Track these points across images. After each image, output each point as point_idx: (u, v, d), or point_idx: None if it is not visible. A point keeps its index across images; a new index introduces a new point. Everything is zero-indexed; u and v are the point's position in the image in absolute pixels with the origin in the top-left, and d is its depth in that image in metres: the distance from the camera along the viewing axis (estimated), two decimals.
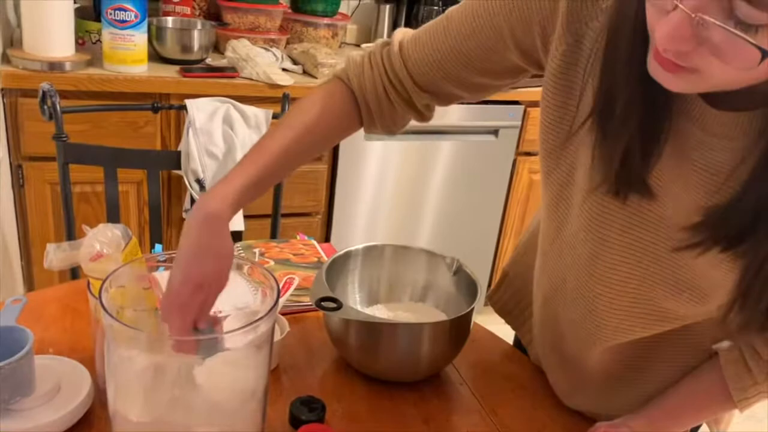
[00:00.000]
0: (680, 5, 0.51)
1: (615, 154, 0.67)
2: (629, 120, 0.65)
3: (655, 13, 0.55)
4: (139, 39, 1.81)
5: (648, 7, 0.56)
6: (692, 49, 0.53)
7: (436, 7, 2.53)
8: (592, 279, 0.79)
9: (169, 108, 1.66)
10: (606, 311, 0.80)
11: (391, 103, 0.86)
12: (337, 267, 1.02)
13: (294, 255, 1.21)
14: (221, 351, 0.67)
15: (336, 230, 2.24)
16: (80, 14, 1.94)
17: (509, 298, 1.08)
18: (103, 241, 0.80)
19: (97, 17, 1.89)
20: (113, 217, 1.48)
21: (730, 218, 0.63)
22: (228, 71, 1.94)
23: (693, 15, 0.51)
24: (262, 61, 1.97)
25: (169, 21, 2.09)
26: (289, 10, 2.36)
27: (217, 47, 2.17)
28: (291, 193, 2.05)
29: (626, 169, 0.68)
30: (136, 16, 1.78)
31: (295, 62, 2.14)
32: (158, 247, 1.17)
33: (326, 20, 2.33)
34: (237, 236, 1.64)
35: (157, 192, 1.50)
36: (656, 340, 0.82)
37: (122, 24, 1.77)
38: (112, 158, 1.45)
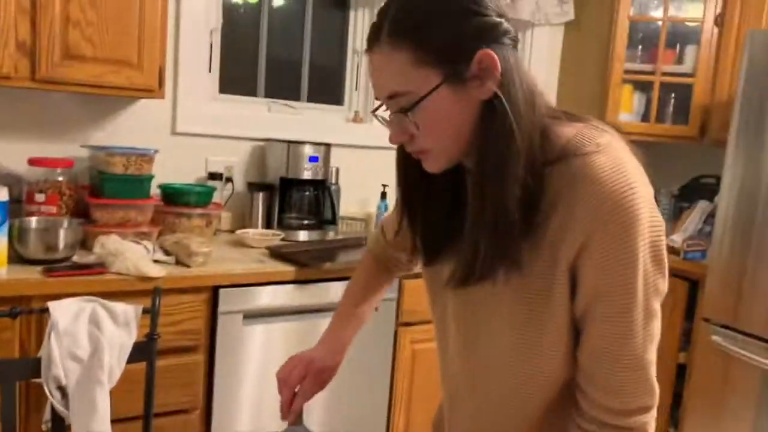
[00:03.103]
0: (377, 116, 0.87)
1: (422, 229, 0.96)
2: (431, 205, 0.93)
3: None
4: None
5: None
6: (408, 138, 0.83)
7: (307, 193, 2.66)
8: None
9: (29, 312, 1.57)
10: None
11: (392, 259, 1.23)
12: None
13: None
14: None
15: (217, 425, 2.11)
16: None
17: None
18: None
19: None
20: None
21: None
22: (96, 267, 1.90)
23: (389, 119, 0.84)
24: (132, 255, 1.94)
25: (33, 221, 2.04)
26: (161, 203, 2.38)
27: (85, 244, 2.12)
28: (165, 389, 1.94)
29: (432, 237, 0.96)
30: None
31: (167, 253, 2.13)
32: None
33: (199, 210, 2.37)
34: None
35: (10, 407, 1.37)
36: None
37: None
38: None
